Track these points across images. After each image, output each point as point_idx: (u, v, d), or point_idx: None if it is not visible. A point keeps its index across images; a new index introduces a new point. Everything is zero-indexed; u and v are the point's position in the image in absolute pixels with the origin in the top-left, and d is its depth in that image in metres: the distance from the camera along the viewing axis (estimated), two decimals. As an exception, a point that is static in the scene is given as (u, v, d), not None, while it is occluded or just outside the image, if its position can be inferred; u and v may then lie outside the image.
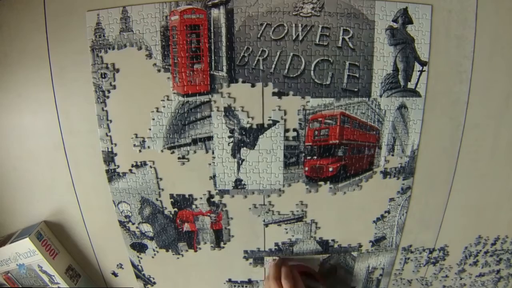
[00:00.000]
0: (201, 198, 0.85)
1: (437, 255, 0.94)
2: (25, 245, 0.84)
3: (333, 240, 0.91)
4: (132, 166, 0.82)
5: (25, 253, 0.86)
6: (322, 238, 0.90)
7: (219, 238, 0.90)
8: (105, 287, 0.98)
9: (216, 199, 0.85)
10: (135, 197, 0.86)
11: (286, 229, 0.88)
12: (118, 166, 0.83)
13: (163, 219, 0.88)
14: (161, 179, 0.83)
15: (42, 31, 0.74)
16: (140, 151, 0.81)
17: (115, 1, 0.72)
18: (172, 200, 0.86)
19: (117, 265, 0.95)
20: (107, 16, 0.73)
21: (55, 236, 0.90)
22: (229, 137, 0.79)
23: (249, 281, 0.96)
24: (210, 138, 0.79)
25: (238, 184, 0.83)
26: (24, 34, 0.75)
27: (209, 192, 0.84)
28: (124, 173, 0.83)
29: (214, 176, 0.82)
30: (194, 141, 0.79)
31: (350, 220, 0.88)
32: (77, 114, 0.79)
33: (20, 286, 0.92)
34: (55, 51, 0.75)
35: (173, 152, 0.80)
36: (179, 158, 0.81)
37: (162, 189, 0.84)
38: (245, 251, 0.92)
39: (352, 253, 0.93)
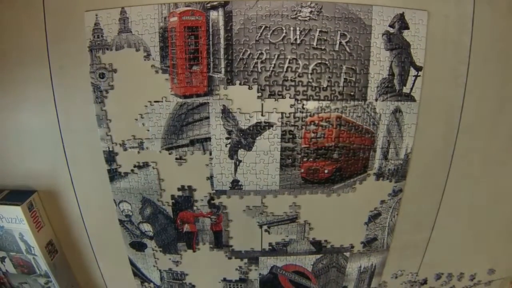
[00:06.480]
0: (202, 200, 0.78)
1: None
2: (14, 212, 0.75)
3: (325, 241, 0.84)
4: (135, 166, 0.75)
5: (10, 218, 0.76)
6: (315, 238, 0.83)
7: (218, 239, 0.82)
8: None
9: (217, 201, 0.78)
10: (137, 197, 0.78)
11: (280, 229, 0.81)
12: (120, 166, 0.75)
13: (164, 219, 0.80)
14: (162, 180, 0.76)
15: (41, 30, 0.66)
16: (138, 152, 0.73)
17: (113, 2, 0.65)
18: (173, 201, 0.78)
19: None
20: (106, 17, 0.65)
21: (44, 208, 0.81)
22: (227, 138, 0.72)
23: (244, 280, 0.89)
24: (207, 139, 0.72)
25: (235, 185, 0.76)
26: (23, 33, 0.68)
27: (210, 194, 0.77)
28: (126, 173, 0.76)
29: (212, 176, 0.75)
30: (192, 142, 0.72)
31: (343, 221, 0.81)
32: (77, 114, 0.72)
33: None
34: (55, 51, 0.68)
35: (171, 153, 0.73)
36: (176, 158, 0.73)
37: (164, 190, 0.77)
38: (241, 251, 0.84)
39: (344, 253, 0.86)
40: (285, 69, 0.68)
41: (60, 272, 0.85)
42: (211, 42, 0.66)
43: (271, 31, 0.66)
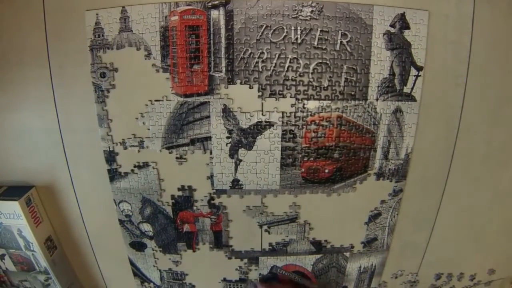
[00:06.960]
0: (202, 200, 0.77)
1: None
2: (12, 207, 0.73)
3: (325, 241, 0.83)
4: (135, 166, 0.74)
5: (8, 214, 0.75)
6: (315, 238, 0.82)
7: (218, 239, 0.81)
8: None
9: (217, 201, 0.77)
10: (137, 197, 0.77)
11: (280, 229, 0.80)
12: (120, 166, 0.74)
13: (164, 219, 0.79)
14: (162, 180, 0.75)
15: (41, 30, 0.65)
16: (138, 151, 0.72)
17: (114, 1, 0.64)
18: (173, 201, 0.77)
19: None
20: (107, 16, 0.64)
21: (42, 205, 0.79)
22: (227, 137, 0.71)
23: (244, 280, 0.87)
24: (208, 138, 0.71)
25: (236, 184, 0.75)
26: (23, 33, 0.66)
27: (210, 194, 0.76)
28: (126, 173, 0.75)
29: (212, 176, 0.74)
30: (192, 141, 0.71)
31: (343, 221, 0.80)
32: (77, 113, 0.71)
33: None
34: (55, 50, 0.67)
35: (171, 152, 0.72)
36: (177, 158, 0.72)
37: (164, 190, 0.76)
38: (241, 251, 0.83)
39: (344, 253, 0.85)
40: (286, 69, 0.67)
41: (59, 269, 0.84)
42: (212, 41, 0.66)
43: (272, 30, 0.65)
